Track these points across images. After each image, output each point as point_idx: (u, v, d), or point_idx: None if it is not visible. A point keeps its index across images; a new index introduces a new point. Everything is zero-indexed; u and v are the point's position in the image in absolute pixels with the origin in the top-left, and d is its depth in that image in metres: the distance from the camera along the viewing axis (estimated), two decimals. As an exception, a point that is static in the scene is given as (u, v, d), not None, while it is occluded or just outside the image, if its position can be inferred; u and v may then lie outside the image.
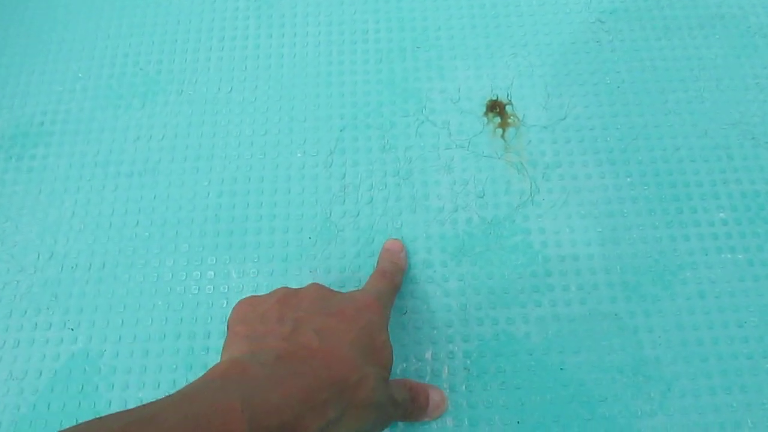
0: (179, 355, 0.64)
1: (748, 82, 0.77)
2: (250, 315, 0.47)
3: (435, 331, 0.64)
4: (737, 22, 0.80)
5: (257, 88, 0.78)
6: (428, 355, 0.63)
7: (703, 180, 0.71)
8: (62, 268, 0.69)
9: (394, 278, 0.59)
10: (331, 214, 0.70)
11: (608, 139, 0.73)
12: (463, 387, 0.62)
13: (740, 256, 0.67)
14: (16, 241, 0.71)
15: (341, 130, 0.74)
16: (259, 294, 0.51)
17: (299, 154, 0.73)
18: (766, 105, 0.75)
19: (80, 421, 0.60)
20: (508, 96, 0.76)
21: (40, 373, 0.64)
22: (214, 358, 0.64)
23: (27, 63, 0.82)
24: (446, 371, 0.62)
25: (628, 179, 0.71)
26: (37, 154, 0.76)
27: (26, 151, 0.76)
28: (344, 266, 0.67)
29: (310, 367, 0.39)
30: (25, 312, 0.67)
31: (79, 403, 0.62)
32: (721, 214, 0.69)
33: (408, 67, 0.78)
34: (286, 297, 0.49)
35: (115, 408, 0.62)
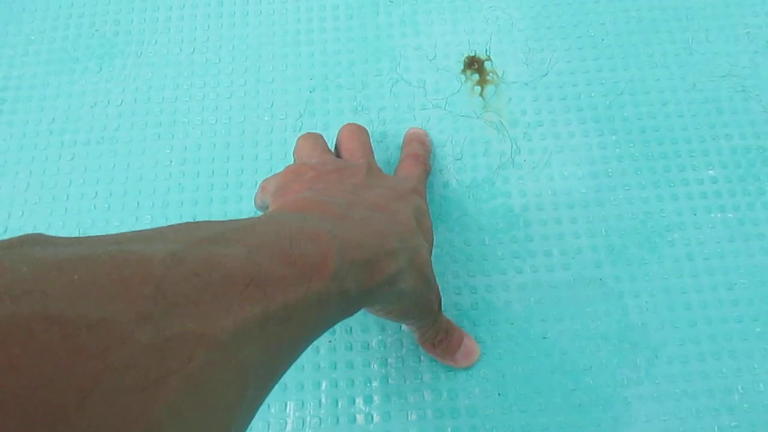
0: (142, 332, 0.61)
1: (738, 32, 0.73)
2: (306, 175, 0.48)
3: (411, 301, 0.61)
4: (728, -32, 0.76)
5: (221, 48, 0.73)
6: (405, 326, 0.60)
7: (691, 136, 0.67)
8: (17, 243, 0.65)
9: (426, 162, 0.61)
10: (300, 181, 0.66)
11: (592, 95, 0.69)
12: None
13: (730, 215, 0.64)
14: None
15: (311, 92, 0.70)
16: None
17: (267, 118, 0.69)
18: (756, 56, 0.71)
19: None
20: (486, 52, 0.72)
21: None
22: (179, 335, 0.60)
23: (-26, 26, 0.76)
24: (423, 342, 0.59)
25: (613, 137, 0.67)
26: (-11, 121, 0.71)
27: (-19, 119, 0.71)
28: (315, 235, 0.63)
29: (380, 219, 0.40)
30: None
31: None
32: (710, 172, 0.66)
33: (381, 23, 0.74)
34: (338, 168, 0.49)
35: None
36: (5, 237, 0.59)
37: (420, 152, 0.60)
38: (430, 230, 0.48)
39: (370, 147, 0.59)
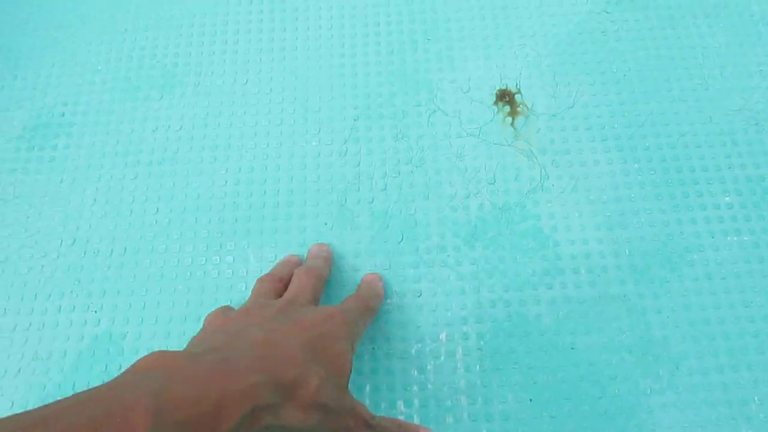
0: (200, 336, 0.66)
1: (751, 69, 0.78)
2: (227, 314, 0.52)
3: (449, 313, 0.66)
4: (741, 10, 0.82)
5: (272, 80, 0.80)
6: (443, 336, 0.65)
7: (708, 165, 0.72)
8: (84, 253, 0.71)
9: (368, 301, 0.60)
10: (346, 201, 0.72)
11: (615, 126, 0.75)
12: (477, 367, 0.63)
13: (746, 238, 0.69)
14: (39, 227, 0.73)
15: (355, 120, 0.76)
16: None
17: (314, 143, 0.75)
18: (770, 92, 0.77)
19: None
20: (517, 85, 0.78)
21: (65, 354, 0.66)
22: (234, 340, 0.65)
23: (47, 56, 0.84)
24: (460, 351, 0.64)
25: (636, 165, 0.72)
26: (58, 144, 0.78)
27: (48, 141, 0.78)
28: (359, 251, 0.69)
29: (244, 355, 0.39)
30: (50, 296, 0.69)
31: (103, 382, 0.64)
32: (727, 198, 0.71)
33: (419, 59, 0.80)
34: (253, 307, 0.51)
35: (140, 387, 0.64)
36: (73, 247, 0.65)
37: (363, 292, 0.62)
38: (340, 354, 0.45)
39: (312, 286, 0.57)
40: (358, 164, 0.74)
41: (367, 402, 0.62)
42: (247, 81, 0.80)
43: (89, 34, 0.85)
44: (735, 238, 0.69)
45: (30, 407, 0.63)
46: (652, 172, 0.72)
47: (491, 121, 0.76)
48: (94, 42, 0.85)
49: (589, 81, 0.78)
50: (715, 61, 0.79)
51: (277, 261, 0.69)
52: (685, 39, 0.81)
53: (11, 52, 0.84)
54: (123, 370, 0.61)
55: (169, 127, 0.78)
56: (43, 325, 0.68)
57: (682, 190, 0.71)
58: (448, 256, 0.68)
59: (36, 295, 0.69)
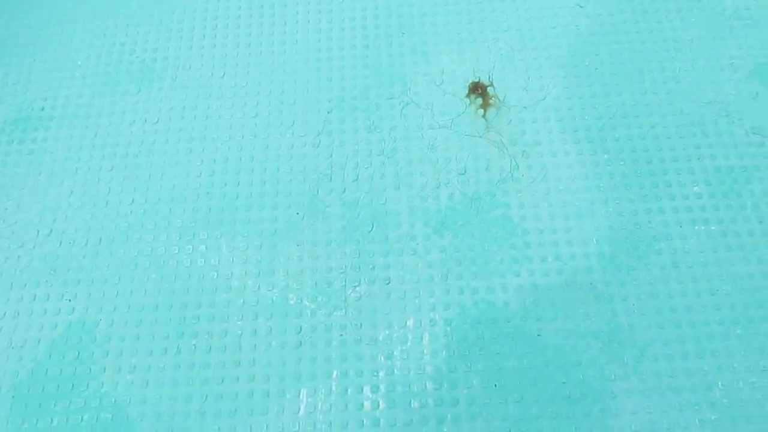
0: (171, 324, 0.67)
1: (722, 62, 0.79)
2: None
3: (417, 300, 0.66)
4: (713, 5, 0.82)
5: (248, 74, 0.81)
6: (410, 322, 0.65)
7: (678, 155, 0.73)
8: (60, 243, 0.72)
9: None
10: (318, 192, 0.72)
11: (586, 117, 0.75)
12: (443, 353, 0.64)
13: (713, 228, 0.69)
14: (17, 218, 0.74)
15: (329, 113, 0.77)
16: None
17: (288, 135, 0.76)
18: (740, 84, 0.77)
19: (76, 386, 0.63)
20: (489, 78, 0.79)
21: (39, 341, 0.67)
22: (204, 327, 0.66)
23: (29, 52, 0.85)
24: (427, 337, 0.65)
25: (605, 156, 0.73)
26: (37, 137, 0.79)
27: (27, 135, 0.79)
28: (330, 239, 0.70)
29: None
30: (25, 285, 0.70)
31: (75, 369, 0.65)
32: (695, 188, 0.71)
33: (393, 53, 0.81)
34: None
35: (110, 374, 0.64)
36: (50, 237, 0.66)
37: None
38: None
39: None
40: (331, 155, 0.74)
41: (333, 387, 0.63)
42: (224, 74, 0.81)
43: (70, 31, 0.86)
44: (703, 227, 0.69)
45: (3, 395, 0.64)
46: (622, 163, 0.73)
47: (463, 113, 0.77)
48: (75, 39, 0.86)
49: (562, 74, 0.79)
50: (687, 54, 0.80)
51: (248, 250, 0.69)
52: (658, 33, 0.81)
53: (-6, 47, 0.86)
54: (94, 356, 0.62)
55: (146, 120, 0.79)
56: (18, 313, 0.69)
57: (651, 180, 0.72)
58: (418, 244, 0.69)
59: (12, 284, 0.70)
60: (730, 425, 0.60)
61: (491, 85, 0.78)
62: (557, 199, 0.71)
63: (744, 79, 0.78)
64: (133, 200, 0.74)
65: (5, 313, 0.69)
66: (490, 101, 0.77)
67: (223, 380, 0.64)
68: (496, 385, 0.62)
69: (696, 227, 0.70)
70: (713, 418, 0.61)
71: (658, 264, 0.68)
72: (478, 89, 0.78)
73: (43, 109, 0.81)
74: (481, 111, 0.76)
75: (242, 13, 0.86)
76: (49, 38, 0.87)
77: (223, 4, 0.86)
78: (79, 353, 0.66)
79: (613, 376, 0.63)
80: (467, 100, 0.78)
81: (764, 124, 0.75)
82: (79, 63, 0.84)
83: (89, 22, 0.87)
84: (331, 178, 0.73)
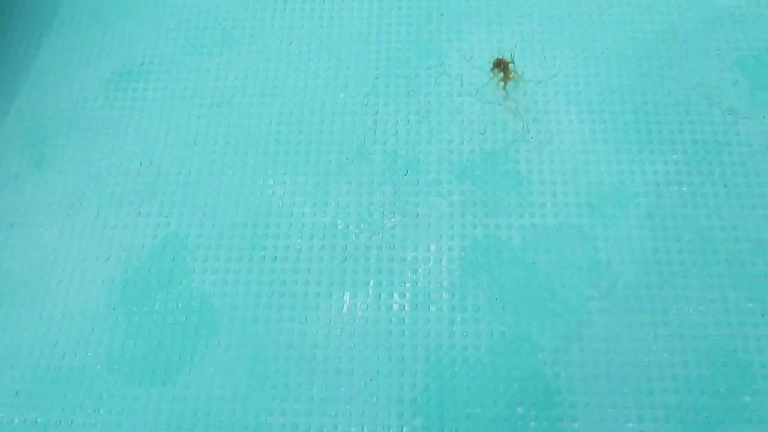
0: (245, 238, 0.85)
1: (711, 53, 0.94)
2: None
3: (439, 231, 0.84)
4: (708, 3, 0.97)
5: (311, 43, 0.98)
6: (432, 248, 0.83)
7: (662, 129, 0.89)
8: (159, 173, 0.91)
9: None
10: (364, 142, 0.90)
11: (589, 93, 0.91)
12: (457, 272, 0.82)
13: (685, 189, 0.85)
14: (124, 152, 0.93)
15: (376, 78, 0.94)
16: None
17: (342, 95, 0.93)
18: (724, 72, 0.92)
19: (172, 282, 0.82)
20: (511, 56, 0.95)
21: (143, 247, 0.86)
22: (271, 242, 0.85)
23: (131, 15, 1.03)
24: (445, 260, 0.82)
25: (602, 125, 0.89)
26: (138, 87, 0.97)
27: (130, 85, 0.98)
28: (372, 180, 0.87)
29: None
30: (132, 203, 0.89)
31: (171, 269, 0.84)
32: (674, 156, 0.87)
33: (432, 30, 0.97)
34: None
35: (198, 274, 0.83)
36: (150, 168, 0.84)
37: None
38: None
39: None
40: (376, 113, 0.92)
41: (370, 293, 0.81)
42: (291, 43, 0.99)
43: (164, 1, 1.04)
44: (676, 188, 0.85)
45: (116, 285, 0.84)
46: (615, 132, 0.89)
47: (487, 84, 0.93)
48: (168, 7, 1.04)
49: (573, 55, 0.95)
50: (681, 44, 0.95)
51: (306, 185, 0.88)
52: (659, 24, 0.96)
53: (102, 13, 1.04)
54: (186, 259, 0.81)
55: (227, 77, 0.97)
56: (127, 226, 0.88)
57: (638, 147, 0.88)
58: (443, 187, 0.86)
59: (121, 203, 0.90)
60: (678, 339, 0.77)
61: (512, 61, 0.94)
62: (558, 158, 0.88)
63: (727, 68, 0.93)
64: (215, 141, 0.92)
65: (117, 225, 0.88)
66: (510, 75, 0.93)
67: (284, 282, 0.82)
68: (497, 299, 0.80)
69: (670, 187, 0.85)
70: (665, 333, 0.77)
71: (636, 214, 0.84)
72: (500, 65, 0.94)
73: (142, 64, 1.00)
74: (502, 83, 0.93)
75: (308, -8, 1.03)
76: (146, 5, 1.04)
77: (292, -17, 1.03)
78: (174, 257, 0.86)
79: (590, 298, 0.80)
80: (491, 73, 0.94)
81: (739, 106, 0.90)
82: (171, 27, 1.02)
83: (179, -7, 1.05)
84: (375, 132, 0.90)
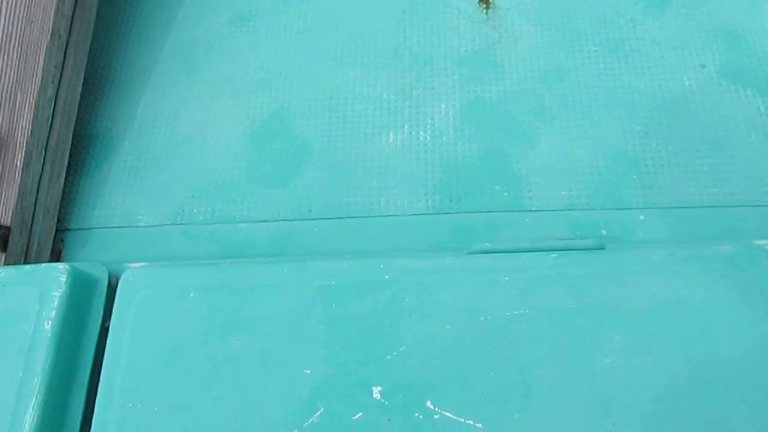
0: (327, 109, 1.38)
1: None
2: None
3: (446, 96, 1.36)
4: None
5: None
6: (443, 105, 1.35)
7: (588, 31, 1.40)
8: (279, 78, 1.43)
9: None
10: (398, 48, 1.42)
11: (540, 14, 1.43)
12: (458, 118, 1.33)
13: (600, 66, 1.36)
14: (247, 72, 1.46)
15: (404, 11, 1.47)
16: None
17: (382, 21, 1.46)
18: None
19: (285, 132, 1.35)
20: (490, -7, 1.47)
21: (263, 114, 1.39)
22: (343, 107, 1.37)
23: (243, -19, 1.57)
24: (450, 112, 1.34)
25: (548, 32, 1.41)
26: (250, 25, 1.51)
27: (244, 24, 1.51)
28: (403, 70, 1.40)
29: None
30: (254, 91, 1.42)
31: (282, 128, 1.37)
32: (594, 48, 1.38)
33: (439, -20, 1.50)
34: None
35: (299, 127, 1.36)
36: (269, 75, 1.40)
37: None
38: None
39: None
40: (405, 31, 1.44)
41: (405, 133, 1.33)
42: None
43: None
44: (597, 65, 1.36)
45: (249, 135, 1.36)
46: (559, 37, 1.40)
47: (475, 10, 1.45)
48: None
49: (531, -8, 1.47)
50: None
51: (363, 74, 1.40)
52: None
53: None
54: (293, 121, 1.34)
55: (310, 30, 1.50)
56: (250, 105, 1.41)
57: (573, 44, 1.39)
58: (447, 72, 1.38)
59: (245, 91, 1.42)
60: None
61: (491, -3, 1.47)
62: (522, 53, 1.39)
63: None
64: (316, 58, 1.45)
65: (243, 103, 1.41)
66: (490, 4, 1.45)
67: (354, 126, 1.34)
68: (482, 132, 1.31)
69: (593, 65, 1.36)
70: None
71: (583, 80, 1.35)
72: (484, -1, 1.46)
73: (250, 11, 1.53)
74: (485, 9, 1.45)
75: (356, -39, 1.56)
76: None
77: (346, -44, 1.57)
78: (284, 119, 1.38)
79: (540, 126, 1.30)
80: (478, 4, 1.46)
81: (636, 16, 1.41)
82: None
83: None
84: (405, 41, 1.43)
